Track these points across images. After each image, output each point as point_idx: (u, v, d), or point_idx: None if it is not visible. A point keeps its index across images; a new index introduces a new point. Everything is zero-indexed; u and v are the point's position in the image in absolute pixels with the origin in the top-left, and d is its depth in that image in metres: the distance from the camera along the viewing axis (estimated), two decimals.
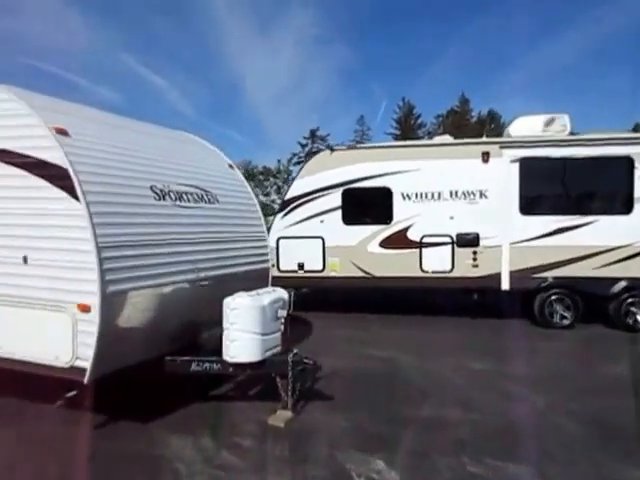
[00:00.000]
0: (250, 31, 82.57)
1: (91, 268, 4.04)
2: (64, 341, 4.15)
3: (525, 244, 8.69)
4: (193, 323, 5.11)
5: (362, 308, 10.38)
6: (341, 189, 9.46)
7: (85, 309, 4.08)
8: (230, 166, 6.81)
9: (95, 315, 4.05)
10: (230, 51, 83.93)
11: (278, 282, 9.92)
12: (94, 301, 4.04)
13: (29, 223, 4.31)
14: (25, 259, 4.31)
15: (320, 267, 9.55)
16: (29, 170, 4.26)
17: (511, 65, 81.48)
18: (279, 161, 46.46)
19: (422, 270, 9.12)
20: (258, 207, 6.87)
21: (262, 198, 37.43)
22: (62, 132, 4.27)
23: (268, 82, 79.52)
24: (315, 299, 11.65)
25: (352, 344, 7.79)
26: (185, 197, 5.36)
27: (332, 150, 9.63)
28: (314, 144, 51.11)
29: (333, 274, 9.52)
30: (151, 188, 4.92)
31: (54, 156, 4.14)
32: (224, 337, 4.90)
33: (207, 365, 4.97)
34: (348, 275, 9.45)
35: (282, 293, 5.30)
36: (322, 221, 9.53)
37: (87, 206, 4.07)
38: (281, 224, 9.79)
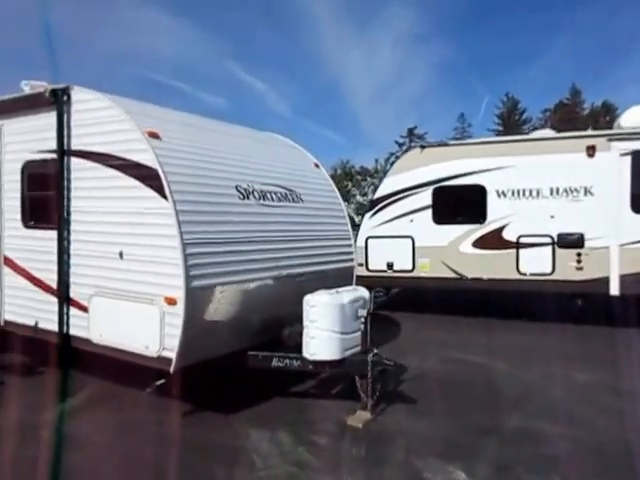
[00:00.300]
0: (347, 31, 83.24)
1: (177, 263, 4.25)
2: (153, 332, 4.40)
3: (638, 245, 7.87)
4: (275, 319, 5.20)
5: (454, 310, 10.00)
6: (431, 187, 9.19)
7: (171, 302, 4.30)
8: (316, 165, 6.87)
9: (180, 308, 4.25)
10: (328, 52, 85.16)
11: (367, 281, 9.93)
12: (179, 295, 4.25)
13: (124, 221, 4.63)
14: (121, 254, 4.64)
15: (410, 267, 9.34)
16: (124, 171, 4.58)
17: (630, 52, 74.58)
18: (376, 160, 46.21)
19: (519, 272, 8.59)
20: (343, 206, 6.86)
21: (359, 198, 37.42)
22: (154, 135, 4.54)
23: (366, 81, 79.66)
24: (405, 300, 11.45)
25: (441, 347, 7.53)
26: (269, 196, 5.47)
27: (422, 147, 9.39)
28: (412, 143, 50.31)
29: (423, 274, 9.27)
30: (236, 188, 5.08)
31: (146, 158, 4.42)
32: (304, 334, 4.93)
33: (287, 361, 5.04)
34: (439, 276, 9.15)
35: (363, 292, 5.24)
36: (412, 220, 9.32)
37: (174, 204, 4.29)
38: (370, 223, 9.71)
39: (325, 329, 4.85)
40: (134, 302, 4.55)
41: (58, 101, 4.95)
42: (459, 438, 4.50)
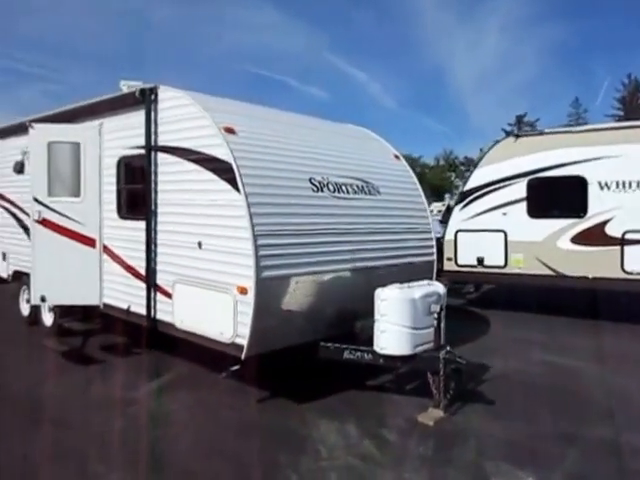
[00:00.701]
0: (452, 18, 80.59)
1: (248, 254, 4.39)
2: (227, 319, 4.59)
3: None
4: (349, 312, 5.19)
5: (548, 309, 9.35)
6: (526, 179, 8.64)
7: (243, 291, 4.45)
8: (396, 157, 6.74)
9: (251, 297, 4.39)
10: (431, 40, 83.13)
11: (455, 276, 9.63)
12: (250, 284, 4.38)
13: (202, 212, 4.86)
14: (200, 244, 4.88)
15: (502, 263, 8.87)
16: (203, 165, 4.80)
17: None
18: (481, 150, 44.37)
19: (624, 271, 7.83)
20: (424, 198, 6.67)
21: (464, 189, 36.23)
22: (230, 130, 4.71)
23: (471, 68, 76.78)
24: (496, 296, 10.91)
25: (530, 347, 7.10)
26: (344, 189, 5.46)
27: (517, 136, 8.86)
28: (520, 130, 47.68)
29: (516, 271, 8.77)
30: (310, 180, 5.13)
31: (221, 152, 4.60)
32: (375, 328, 4.88)
33: (359, 354, 5.02)
34: (533, 272, 8.60)
35: (437, 287, 5.07)
36: (504, 213, 8.84)
37: (246, 197, 4.43)
38: (460, 216, 9.35)
39: (395, 323, 4.76)
40: (211, 290, 4.76)
41: (146, 100, 5.30)
42: (535, 444, 4.22)
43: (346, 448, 4.20)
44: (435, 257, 6.54)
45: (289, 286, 4.67)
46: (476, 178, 9.27)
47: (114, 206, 5.97)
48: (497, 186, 8.88)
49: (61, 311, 7.01)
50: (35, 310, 7.39)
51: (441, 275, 10.34)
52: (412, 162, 69.81)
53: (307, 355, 5.26)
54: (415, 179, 6.72)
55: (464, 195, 9.41)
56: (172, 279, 5.20)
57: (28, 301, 7.49)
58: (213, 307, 4.74)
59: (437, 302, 4.93)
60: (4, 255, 8.56)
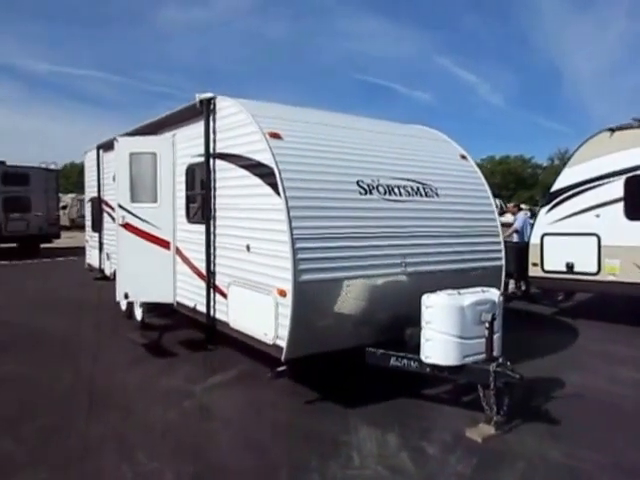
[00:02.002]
0: (568, 9, 74.64)
1: (286, 257, 4.45)
2: (270, 321, 4.69)
3: None
4: (399, 317, 5.05)
5: None
6: (624, 177, 7.79)
7: (282, 294, 4.53)
8: (462, 157, 6.43)
9: (289, 300, 4.45)
10: (544, 35, 77.89)
11: (542, 283, 8.93)
12: (289, 287, 4.45)
13: (250, 216, 5.03)
14: (248, 247, 5.05)
15: (594, 269, 8.08)
16: (251, 171, 4.97)
17: None
18: None
19: None
20: (492, 200, 6.29)
21: None
22: (275, 136, 4.82)
23: (591, 62, 70.65)
24: (588, 305, 9.98)
25: (617, 363, 6.41)
26: (396, 191, 5.33)
27: (612, 130, 8.00)
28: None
29: (611, 278, 7.93)
30: (357, 183, 5.08)
31: (265, 157, 4.72)
32: (421, 335, 4.71)
33: (405, 362, 4.87)
34: (631, 281, 7.72)
35: (491, 295, 4.76)
36: (598, 215, 8.04)
37: (286, 201, 4.50)
38: (546, 219, 8.68)
39: (441, 332, 4.55)
40: (257, 292, 4.91)
41: (205, 110, 5.60)
42: (595, 474, 3.80)
43: (380, 458, 4.10)
44: (503, 262, 6.13)
45: (330, 290, 4.66)
46: (565, 177, 8.54)
47: (184, 211, 6.37)
48: (589, 185, 8.10)
49: (147, 307, 7.61)
50: (130, 306, 8.09)
51: (525, 281, 9.73)
52: (523, 163, 65.73)
53: (360, 360, 5.22)
54: (483, 180, 6.36)
55: (552, 196, 8.71)
56: (227, 280, 5.43)
57: None
58: (259, 308, 4.87)
59: (489, 311, 4.63)
60: (108, 255, 9.51)
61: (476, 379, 4.57)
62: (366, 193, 5.09)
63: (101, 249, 9.73)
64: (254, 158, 4.89)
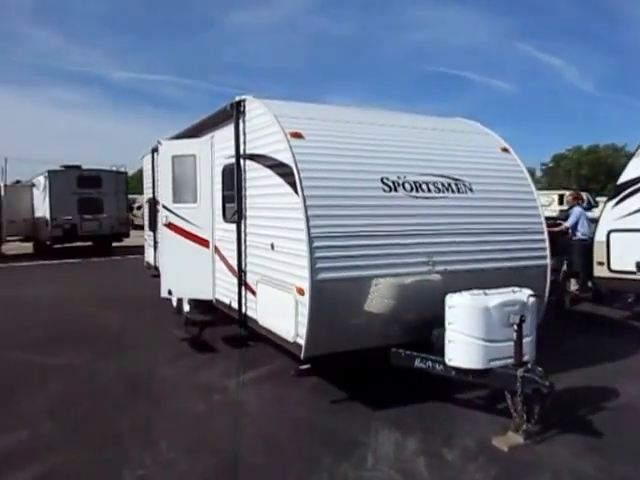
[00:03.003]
0: None
1: (304, 255, 4.45)
2: (291, 319, 4.71)
3: None
4: (425, 318, 4.89)
5: None
6: None
7: (301, 292, 4.53)
8: (504, 150, 6.12)
9: (307, 298, 4.45)
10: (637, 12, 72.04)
11: (609, 284, 8.31)
12: (306, 285, 4.44)
13: (273, 215, 5.07)
14: (272, 246, 5.09)
15: None
16: (274, 170, 5.00)
17: None
18: None
19: None
20: (535, 195, 5.94)
21: None
22: (297, 135, 4.83)
23: None
24: None
25: None
26: (424, 187, 5.17)
27: None
28: None
29: None
30: (381, 180, 4.98)
31: (286, 157, 4.74)
32: (445, 337, 4.54)
33: (429, 363, 4.72)
34: None
35: (521, 296, 4.50)
36: None
37: (304, 200, 4.50)
38: (613, 214, 8.06)
39: (464, 333, 4.37)
40: (280, 290, 4.94)
41: (235, 112, 5.70)
42: None
43: (394, 461, 4.01)
44: (548, 261, 5.77)
45: (350, 288, 4.61)
46: (635, 168, 7.90)
47: (221, 211, 6.52)
48: None
49: (194, 303, 7.87)
50: (180, 302, 8.41)
51: (592, 281, 9.08)
52: (614, 152, 61.35)
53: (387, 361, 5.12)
54: (526, 174, 6.01)
55: (619, 189, 8.07)
56: (256, 278, 5.51)
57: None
58: (282, 306, 4.90)
59: (518, 312, 4.38)
60: None
61: (503, 385, 4.35)
62: (391, 190, 4.98)
63: (156, 247, 10.17)
64: (277, 158, 4.93)
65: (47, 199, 17.33)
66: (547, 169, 65.37)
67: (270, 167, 5.08)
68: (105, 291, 11.34)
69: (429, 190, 5.19)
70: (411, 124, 5.94)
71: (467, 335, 4.35)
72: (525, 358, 4.42)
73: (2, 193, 18.35)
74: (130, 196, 21.91)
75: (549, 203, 30.19)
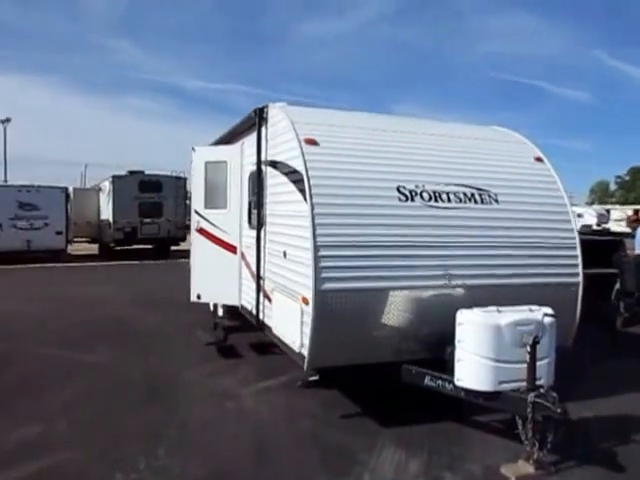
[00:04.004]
0: None
1: (309, 264, 4.38)
2: (297, 328, 4.64)
3: None
4: (439, 334, 4.66)
5: None
6: None
7: (306, 302, 4.45)
8: (538, 159, 5.77)
9: (311, 308, 4.37)
10: None
11: None
12: (310, 295, 4.36)
13: (287, 223, 5.03)
14: (285, 254, 5.05)
15: None
16: (288, 177, 4.97)
17: None
18: None
19: None
20: (569, 207, 5.55)
21: None
22: (312, 142, 4.78)
23: None
24: None
25: None
26: (444, 197, 4.97)
27: None
28: None
29: None
30: (398, 189, 4.83)
31: (298, 164, 4.70)
32: (454, 355, 4.32)
33: (440, 382, 4.50)
34: None
35: (536, 315, 4.20)
36: None
37: (312, 208, 4.44)
38: None
39: (473, 352, 4.14)
40: (290, 298, 4.89)
41: (258, 118, 5.73)
42: None
43: None
44: (580, 279, 5.36)
45: (357, 300, 4.48)
46: None
47: (247, 217, 6.58)
48: None
49: (227, 308, 7.96)
50: (216, 306, 8.54)
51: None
52: None
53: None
54: (560, 185, 5.63)
55: None
56: (271, 285, 5.49)
57: None
58: (290, 315, 4.84)
59: (533, 332, 4.09)
60: None
61: (513, 409, 4.08)
62: (407, 200, 4.82)
63: None
64: (291, 164, 4.90)
65: (110, 203, 18.27)
66: (622, 182, 61.67)
67: (286, 174, 5.06)
68: (152, 293, 11.74)
69: (449, 200, 4.98)
70: (438, 132, 5.74)
71: (476, 354, 4.11)
72: (540, 382, 4.13)
73: (71, 197, 19.51)
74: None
75: (622, 219, 28.34)
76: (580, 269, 5.35)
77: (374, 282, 4.52)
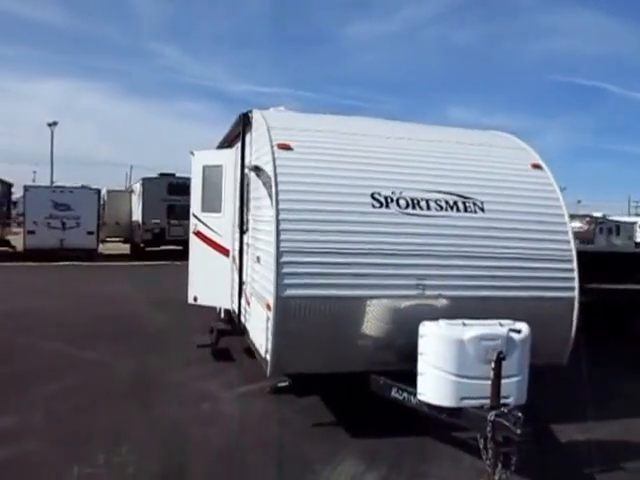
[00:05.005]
0: None
1: (272, 269, 4.33)
2: (264, 333, 4.59)
3: None
4: (410, 346, 4.51)
5: None
6: None
7: (269, 308, 4.40)
8: (535, 166, 5.51)
9: (272, 314, 4.31)
10: None
11: None
12: (272, 301, 4.31)
13: (261, 228, 4.99)
14: (258, 259, 5.02)
15: None
16: (263, 182, 4.94)
17: None
18: None
19: None
20: (566, 218, 5.26)
21: None
22: (285, 147, 4.73)
23: None
24: None
25: None
26: (424, 205, 4.81)
27: None
28: None
29: None
30: (372, 195, 4.71)
31: (270, 169, 4.65)
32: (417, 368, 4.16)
33: (405, 395, 4.34)
34: None
35: (502, 330, 3.98)
36: None
37: (277, 213, 4.39)
38: None
39: (434, 366, 3.97)
40: (259, 303, 4.85)
41: (242, 124, 5.73)
42: None
43: None
44: (576, 294, 5.07)
45: (322, 308, 4.39)
46: None
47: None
48: None
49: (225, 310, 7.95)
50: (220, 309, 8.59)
51: None
52: None
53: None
54: (559, 194, 5.35)
55: None
56: (250, 291, 5.47)
57: None
58: (260, 321, 4.81)
59: (497, 348, 3.88)
60: None
61: (474, 427, 3.89)
62: (381, 206, 4.69)
63: None
64: (265, 169, 4.87)
65: (140, 204, 18.77)
66: None
67: (262, 179, 5.03)
68: (170, 293, 11.87)
69: (429, 208, 4.82)
70: (425, 137, 5.57)
71: (437, 368, 3.95)
72: (508, 400, 3.92)
73: (105, 198, 20.18)
74: None
75: None
76: (576, 283, 5.05)
77: (341, 290, 4.41)
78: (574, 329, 5.07)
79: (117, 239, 22.16)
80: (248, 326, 5.52)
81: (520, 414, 3.73)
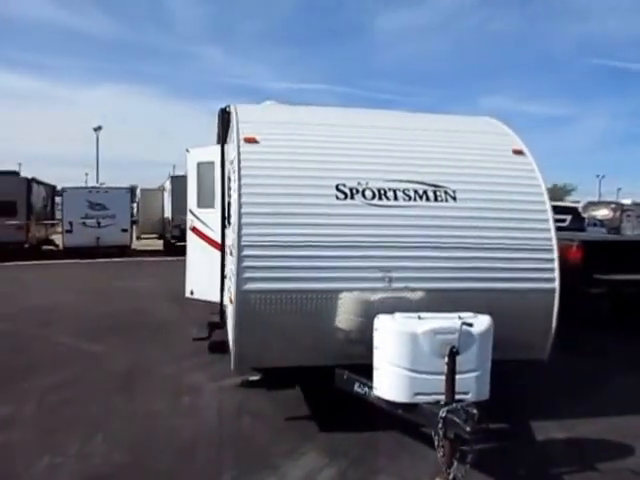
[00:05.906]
0: None
1: (234, 263, 4.35)
2: (231, 328, 4.61)
3: None
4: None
5: None
6: None
7: (231, 301, 4.43)
8: (517, 152, 5.28)
9: (233, 308, 4.34)
10: None
11: None
12: (233, 295, 4.33)
13: (232, 222, 4.97)
14: (231, 252, 5.03)
15: None
16: (233, 176, 4.94)
17: None
18: None
19: None
20: (547, 205, 5.02)
21: None
22: (251, 140, 4.73)
23: None
24: None
25: None
26: (391, 195, 4.69)
27: None
28: None
29: None
30: (337, 187, 4.64)
31: (236, 162, 4.66)
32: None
33: (367, 390, 4.26)
34: None
35: (458, 323, 3.84)
36: None
37: (239, 206, 4.40)
38: None
39: (388, 361, 3.89)
40: (228, 297, 4.88)
41: (220, 119, 5.76)
42: None
43: None
44: (556, 285, 4.84)
45: (284, 302, 4.35)
46: None
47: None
48: None
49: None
50: None
51: None
52: None
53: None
54: (539, 180, 5.11)
55: None
56: (227, 284, 5.51)
57: None
58: (229, 315, 4.84)
59: (453, 342, 3.76)
60: None
61: (428, 423, 3.79)
62: (346, 198, 4.61)
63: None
64: (235, 163, 4.88)
65: (170, 201, 19.23)
66: None
67: (234, 173, 5.05)
68: (175, 287, 12.23)
69: (396, 198, 4.70)
70: (396, 125, 5.42)
71: (391, 363, 3.86)
72: (467, 396, 3.80)
73: (139, 197, 20.79)
74: None
75: None
76: (557, 274, 4.83)
77: (304, 283, 4.38)
78: (555, 321, 4.84)
79: (152, 235, 22.82)
80: (227, 320, 5.57)
81: (475, 411, 3.61)
